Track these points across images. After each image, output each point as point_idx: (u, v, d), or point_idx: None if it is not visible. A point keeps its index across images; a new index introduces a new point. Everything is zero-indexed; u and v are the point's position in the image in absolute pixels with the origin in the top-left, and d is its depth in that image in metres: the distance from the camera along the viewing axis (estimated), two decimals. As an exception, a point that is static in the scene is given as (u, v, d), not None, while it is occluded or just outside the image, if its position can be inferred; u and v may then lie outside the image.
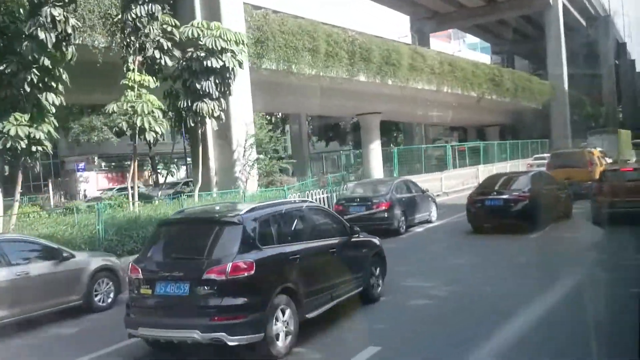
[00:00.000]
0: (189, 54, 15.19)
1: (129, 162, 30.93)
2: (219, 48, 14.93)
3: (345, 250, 7.68)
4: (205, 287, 5.82)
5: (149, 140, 13.57)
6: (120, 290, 8.98)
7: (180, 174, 39.53)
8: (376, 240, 8.66)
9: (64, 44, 12.16)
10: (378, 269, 8.30)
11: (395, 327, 7.08)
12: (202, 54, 14.94)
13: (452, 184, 25.71)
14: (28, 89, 11.60)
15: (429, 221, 16.37)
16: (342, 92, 26.45)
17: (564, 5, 48.16)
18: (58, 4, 11.73)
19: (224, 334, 5.69)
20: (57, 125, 12.36)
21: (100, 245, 10.80)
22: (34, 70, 11.59)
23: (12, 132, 11.28)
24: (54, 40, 11.69)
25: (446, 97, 32.86)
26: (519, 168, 31.53)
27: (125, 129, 13.41)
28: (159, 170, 29.00)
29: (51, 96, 11.96)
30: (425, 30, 50.10)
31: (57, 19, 11.61)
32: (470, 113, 38.62)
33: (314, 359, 6.16)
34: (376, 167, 31.36)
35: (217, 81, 15.29)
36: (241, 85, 17.58)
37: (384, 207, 14.37)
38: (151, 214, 11.70)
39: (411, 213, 15.38)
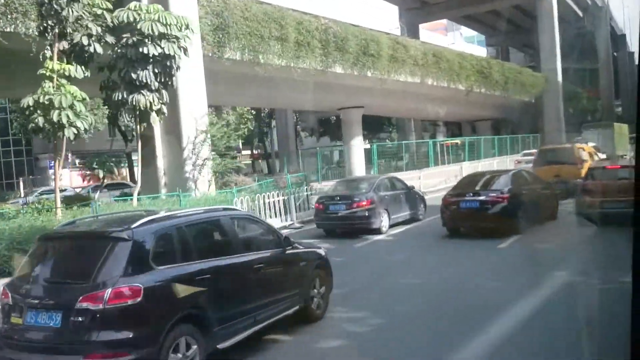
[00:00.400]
0: (124, 40, 13.52)
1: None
2: (157, 33, 13.27)
3: (276, 265, 6.82)
4: (79, 318, 4.88)
5: (68, 137, 11.89)
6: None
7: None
8: (320, 252, 7.77)
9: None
10: (321, 284, 7.40)
11: (336, 351, 6.24)
12: (139, 40, 13.29)
13: (433, 183, 24.08)
14: None
15: (415, 219, 15.64)
16: (318, 84, 24.74)
17: (558, -6, 46.32)
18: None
19: None
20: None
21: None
22: None
23: None
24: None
25: (432, 91, 31.20)
26: (507, 165, 29.94)
27: (42, 125, 11.73)
28: (94, 169, 27.31)
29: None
30: (415, 21, 48.34)
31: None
32: (460, 107, 36.90)
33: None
34: (358, 164, 29.76)
35: (156, 70, 13.64)
36: (192, 75, 15.99)
37: (364, 206, 13.84)
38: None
39: (395, 211, 14.78)
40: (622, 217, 11.08)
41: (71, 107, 11.75)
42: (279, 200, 14.76)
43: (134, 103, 13.48)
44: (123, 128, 16.29)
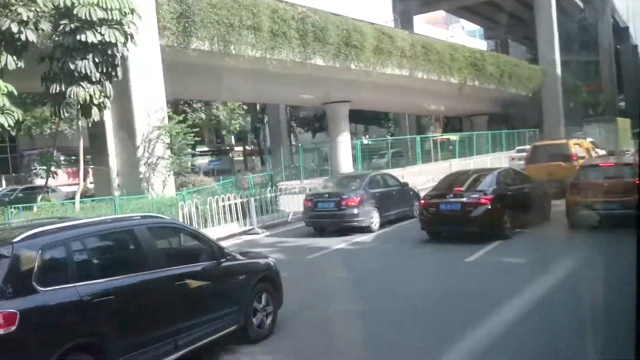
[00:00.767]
0: (62, 27, 12.23)
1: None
2: (96, 19, 11.98)
3: (206, 280, 5.97)
4: None
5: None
6: None
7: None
8: (266, 262, 6.93)
9: None
10: (266, 299, 6.60)
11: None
12: (77, 27, 12.00)
13: (421, 181, 22.68)
14: None
15: (410, 216, 15.03)
16: (298, 77, 23.50)
17: (557, -15, 44.74)
18: None
19: None
20: None
21: None
22: None
23: None
24: None
25: (423, 84, 29.78)
26: (501, 162, 28.57)
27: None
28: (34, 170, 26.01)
29: None
30: (409, 12, 46.82)
31: None
32: (455, 101, 35.47)
33: None
34: (344, 162, 28.33)
35: (97, 60, 12.35)
36: (146, 66, 14.71)
37: (353, 203, 13.45)
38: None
39: (387, 209, 14.35)
40: (615, 218, 10.70)
41: (-8, 101, 10.47)
42: (236, 204, 13.38)
43: (72, 96, 12.19)
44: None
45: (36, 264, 4.57)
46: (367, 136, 58.60)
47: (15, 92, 11.40)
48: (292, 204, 16.00)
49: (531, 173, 17.37)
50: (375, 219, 13.73)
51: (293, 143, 56.54)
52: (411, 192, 15.91)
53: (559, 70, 41.22)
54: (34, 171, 37.56)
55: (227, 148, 58.66)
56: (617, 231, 10.34)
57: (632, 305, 2.57)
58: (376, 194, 14.18)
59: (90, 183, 19.92)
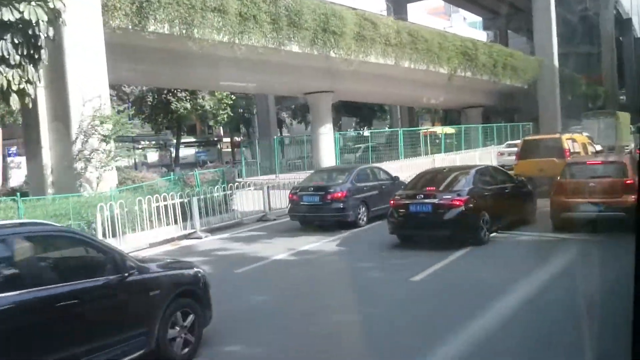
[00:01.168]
0: (-25, 2, 10.78)
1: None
2: (13, -6, 10.54)
3: (104, 298, 5.21)
4: None
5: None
6: None
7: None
8: (191, 273, 6.10)
9: None
10: (187, 318, 5.76)
11: None
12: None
13: (401, 178, 21.24)
14: None
15: None
16: (272, 65, 21.96)
17: (554, -28, 42.91)
18: None
19: None
20: None
21: None
22: None
23: None
24: None
25: (411, 74, 28.20)
26: (491, 157, 27.15)
27: None
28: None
29: None
30: (403, 0, 45.16)
31: None
32: (446, 93, 33.85)
33: None
34: (326, 156, 26.85)
35: (16, 41, 10.90)
36: (85, 48, 13.28)
37: (339, 197, 13.15)
38: None
39: (376, 203, 13.94)
40: (603, 221, 10.22)
41: None
42: (174, 204, 11.87)
43: (-13, 81, 10.75)
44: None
45: None
46: (365, 128, 57.21)
47: None
48: (249, 202, 14.64)
49: (522, 169, 16.97)
50: (362, 214, 13.34)
51: (286, 135, 55.20)
52: (402, 186, 14.73)
53: (556, 62, 39.58)
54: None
55: (216, 139, 57.20)
56: (604, 235, 9.82)
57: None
58: (364, 187, 13.82)
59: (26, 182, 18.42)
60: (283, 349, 5.81)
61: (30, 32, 10.97)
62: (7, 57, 10.82)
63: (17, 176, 35.08)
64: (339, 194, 13.21)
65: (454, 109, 45.86)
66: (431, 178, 12.40)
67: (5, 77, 10.85)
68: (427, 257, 9.57)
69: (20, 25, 10.89)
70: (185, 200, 12.09)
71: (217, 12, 18.03)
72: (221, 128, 53.84)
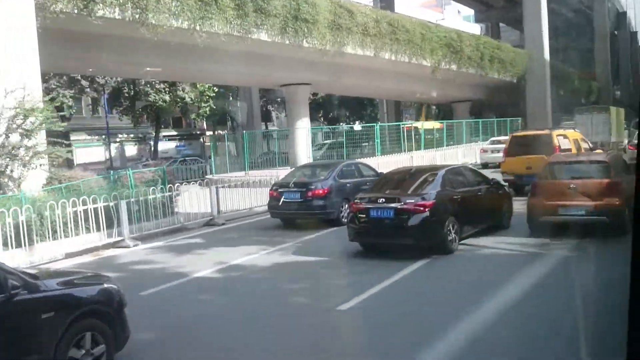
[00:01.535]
0: None
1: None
2: None
3: None
4: None
5: None
6: None
7: None
8: (102, 290, 5.40)
9: None
10: (96, 342, 5.06)
11: None
12: None
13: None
14: None
15: None
16: (239, 54, 20.55)
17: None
18: None
19: None
20: None
21: None
22: None
23: None
24: None
25: (393, 67, 26.86)
26: (475, 154, 25.89)
27: None
28: None
29: None
30: (390, -9, 43.72)
31: None
32: (432, 86, 32.50)
33: None
34: (302, 151, 25.54)
35: None
36: (9, 35, 11.90)
37: (320, 194, 12.73)
38: None
39: None
40: (584, 226, 9.72)
41: None
42: (96, 208, 10.44)
43: None
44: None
45: None
46: (357, 122, 55.92)
47: None
48: (200, 204, 13.32)
49: (509, 167, 16.40)
50: (345, 212, 12.66)
51: (274, 128, 53.76)
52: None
53: (547, 55, 38.25)
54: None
55: (199, 132, 55.72)
56: (585, 243, 9.15)
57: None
58: (347, 184, 13.34)
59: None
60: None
61: None
62: None
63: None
64: (321, 191, 12.80)
65: (442, 103, 44.59)
66: (395, 179, 11.28)
67: None
68: (379, 272, 8.32)
69: None
70: (112, 204, 10.67)
71: (172, -4, 16.68)
72: (204, 121, 52.32)
